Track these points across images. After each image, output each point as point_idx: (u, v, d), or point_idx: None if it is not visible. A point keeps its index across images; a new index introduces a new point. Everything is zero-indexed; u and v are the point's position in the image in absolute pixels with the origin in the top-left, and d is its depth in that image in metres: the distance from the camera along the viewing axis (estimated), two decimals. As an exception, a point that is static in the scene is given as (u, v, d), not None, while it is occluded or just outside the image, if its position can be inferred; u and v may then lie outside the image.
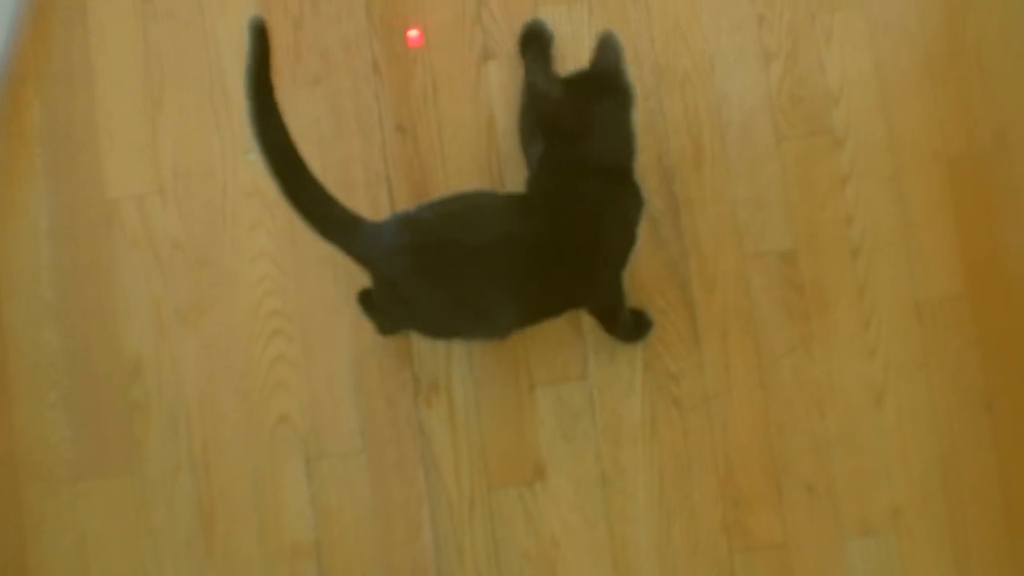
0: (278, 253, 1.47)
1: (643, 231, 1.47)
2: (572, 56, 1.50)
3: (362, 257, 1.24)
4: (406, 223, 1.23)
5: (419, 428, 1.45)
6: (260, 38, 1.13)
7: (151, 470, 1.44)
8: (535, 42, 1.48)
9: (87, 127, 1.50)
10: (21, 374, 1.46)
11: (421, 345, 1.46)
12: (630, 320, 1.44)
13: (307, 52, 1.51)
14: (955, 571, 1.45)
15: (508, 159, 1.49)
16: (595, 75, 1.31)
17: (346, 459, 1.45)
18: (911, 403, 1.47)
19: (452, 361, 1.46)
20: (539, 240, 1.23)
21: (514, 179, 1.47)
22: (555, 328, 1.46)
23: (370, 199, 1.48)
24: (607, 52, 1.30)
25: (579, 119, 1.28)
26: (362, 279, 1.45)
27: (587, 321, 1.46)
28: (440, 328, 1.35)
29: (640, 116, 1.50)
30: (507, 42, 1.51)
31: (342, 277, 1.46)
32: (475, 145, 1.48)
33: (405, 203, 1.48)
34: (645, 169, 1.49)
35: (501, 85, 1.50)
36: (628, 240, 1.33)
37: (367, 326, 1.45)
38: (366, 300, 1.41)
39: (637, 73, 1.51)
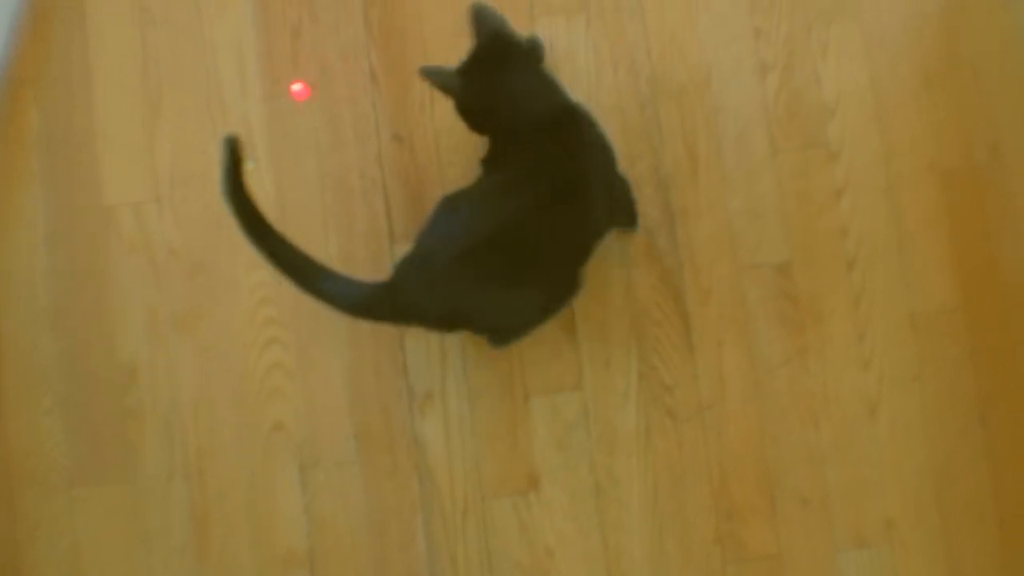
0: (274, 261, 1.48)
1: (639, 242, 1.49)
2: (570, 68, 1.51)
3: (402, 317, 1.29)
4: (415, 265, 1.26)
5: (413, 437, 1.45)
6: (232, 152, 1.18)
7: (146, 476, 1.44)
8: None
9: (85, 132, 1.50)
10: (16, 379, 1.46)
11: (416, 354, 1.46)
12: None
13: (305, 61, 1.51)
14: (948, 583, 1.45)
15: (504, 169, 1.49)
16: (483, 49, 1.31)
17: (340, 467, 1.45)
18: (905, 415, 1.48)
19: (447, 370, 1.46)
20: (536, 206, 1.24)
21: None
22: (550, 338, 1.46)
23: (367, 207, 1.49)
24: (483, 23, 1.31)
25: (493, 96, 1.30)
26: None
27: (582, 331, 1.47)
28: (503, 316, 1.36)
29: (636, 126, 1.51)
30: (504, 52, 1.51)
31: (338, 285, 1.47)
32: (471, 154, 1.48)
33: (401, 211, 1.48)
34: (641, 179, 1.50)
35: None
36: (605, 149, 1.35)
37: (362, 335, 1.46)
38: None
39: (634, 84, 1.52)
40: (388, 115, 1.51)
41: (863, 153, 1.52)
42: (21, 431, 1.45)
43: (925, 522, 1.46)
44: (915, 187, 1.51)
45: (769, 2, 1.54)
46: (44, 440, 1.45)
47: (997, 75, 1.53)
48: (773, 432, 1.46)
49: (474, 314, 1.31)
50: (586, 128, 1.33)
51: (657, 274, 1.49)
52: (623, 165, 1.49)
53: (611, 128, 1.49)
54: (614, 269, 1.48)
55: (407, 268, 1.26)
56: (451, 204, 1.29)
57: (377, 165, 1.50)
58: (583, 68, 1.51)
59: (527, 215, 1.24)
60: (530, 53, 1.33)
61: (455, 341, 1.46)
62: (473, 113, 1.33)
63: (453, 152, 1.50)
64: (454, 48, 1.49)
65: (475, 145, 1.47)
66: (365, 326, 1.45)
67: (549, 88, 1.34)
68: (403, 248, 1.45)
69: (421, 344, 1.47)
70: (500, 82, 1.30)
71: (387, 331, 1.46)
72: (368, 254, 1.48)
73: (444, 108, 1.50)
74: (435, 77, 1.31)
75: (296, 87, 1.43)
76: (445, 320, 1.31)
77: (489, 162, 1.38)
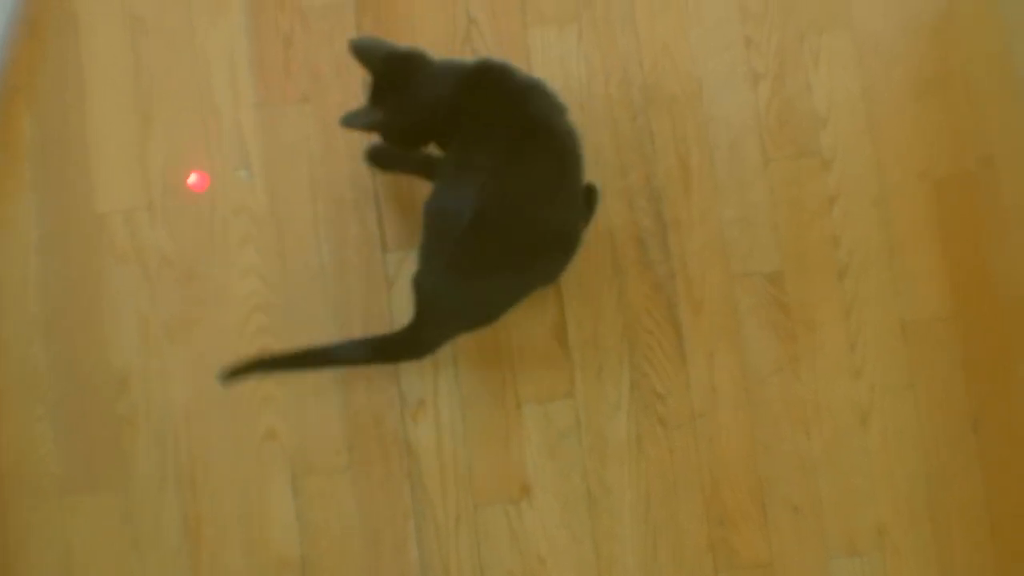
0: (266, 269, 1.48)
1: (631, 251, 1.49)
2: (562, 78, 1.51)
3: (434, 346, 1.39)
4: (429, 282, 1.33)
5: (406, 445, 1.45)
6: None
7: (138, 484, 1.44)
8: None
9: (77, 140, 1.50)
10: (8, 387, 1.45)
11: (408, 362, 1.46)
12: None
13: (297, 70, 1.51)
14: (940, 592, 1.45)
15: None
16: (384, 73, 1.32)
17: (332, 475, 1.45)
18: (897, 423, 1.48)
19: (439, 378, 1.46)
20: (511, 160, 1.26)
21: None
22: (542, 346, 1.47)
23: (359, 216, 1.49)
24: (370, 54, 1.32)
25: (417, 103, 1.31)
26: (355, 297, 1.47)
27: (574, 339, 1.47)
28: (527, 289, 1.39)
29: (628, 136, 1.51)
30: (497, 61, 1.51)
31: (330, 294, 1.47)
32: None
33: (394, 221, 1.48)
34: (633, 189, 1.50)
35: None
36: (539, 83, 1.34)
37: (355, 343, 1.46)
38: None
39: (626, 93, 1.52)
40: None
41: (855, 162, 1.52)
42: (13, 438, 1.45)
43: (917, 530, 1.46)
44: (907, 196, 1.52)
45: (760, 11, 1.54)
46: (36, 447, 1.44)
47: (988, 85, 1.54)
48: (765, 440, 1.47)
49: (502, 302, 1.36)
50: (511, 71, 1.33)
51: (649, 283, 1.49)
52: (615, 175, 1.50)
53: (603, 138, 1.51)
54: (606, 278, 1.48)
55: (427, 298, 1.33)
56: (437, 207, 1.31)
57: (369, 174, 1.49)
58: (575, 78, 1.52)
59: (508, 175, 1.26)
60: (422, 55, 1.34)
61: (447, 349, 1.46)
62: (407, 131, 1.34)
63: (446, 160, 1.50)
64: (445, 57, 1.50)
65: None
66: (357, 332, 1.46)
67: (455, 65, 1.35)
68: (395, 257, 1.47)
69: (413, 352, 1.47)
70: (417, 88, 1.31)
71: (379, 339, 1.47)
72: (360, 262, 1.48)
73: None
74: (358, 121, 1.30)
75: (192, 179, 1.44)
76: (477, 325, 1.38)
77: (446, 163, 1.37)
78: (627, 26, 1.53)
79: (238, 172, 1.49)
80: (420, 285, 1.34)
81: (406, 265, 1.47)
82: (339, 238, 1.49)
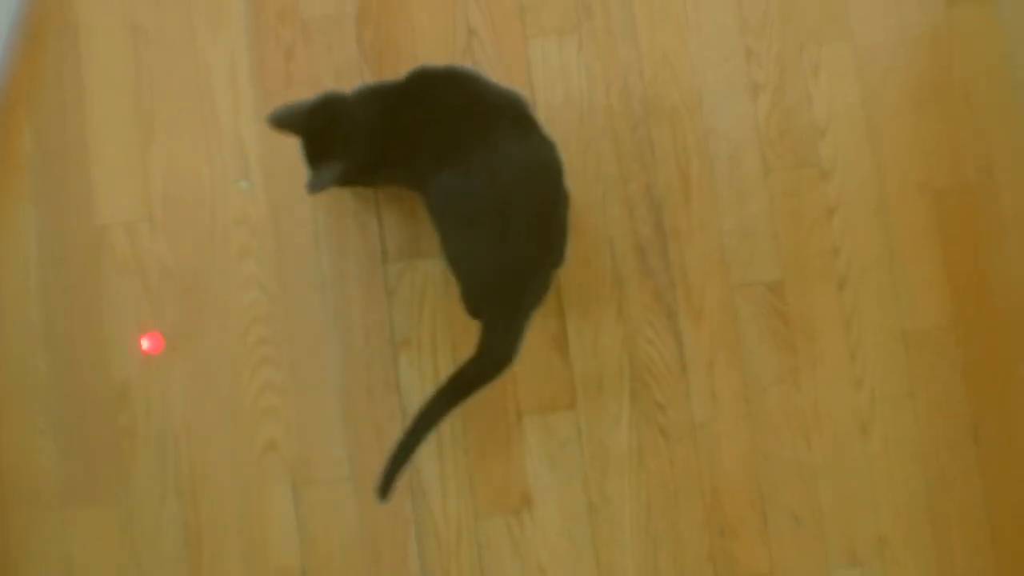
0: (266, 280, 1.48)
1: (631, 262, 1.49)
2: (563, 89, 1.52)
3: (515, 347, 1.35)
4: (477, 278, 1.33)
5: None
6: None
7: (138, 496, 1.44)
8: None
9: (78, 152, 1.50)
10: (9, 399, 1.46)
11: (409, 373, 1.46)
12: None
13: (298, 81, 1.51)
14: (941, 601, 1.46)
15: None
16: (315, 127, 1.30)
17: (333, 486, 1.45)
18: (897, 433, 1.48)
19: (440, 390, 1.46)
20: (491, 151, 1.28)
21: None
22: (543, 357, 1.47)
23: (359, 227, 1.49)
24: (292, 118, 1.29)
25: (359, 146, 1.30)
26: (356, 307, 1.47)
27: (574, 350, 1.47)
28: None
29: (629, 146, 1.52)
30: (497, 73, 1.51)
31: (331, 305, 1.47)
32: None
33: (394, 231, 1.48)
34: (633, 199, 1.50)
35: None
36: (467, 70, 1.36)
37: (355, 353, 1.46)
38: None
39: (626, 104, 1.52)
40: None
41: (854, 172, 1.52)
42: (13, 450, 1.45)
43: (918, 540, 1.46)
44: (906, 206, 1.52)
45: (760, 22, 1.55)
46: (36, 458, 1.44)
47: (987, 95, 1.54)
48: (766, 449, 1.47)
49: (543, 273, 1.35)
50: (446, 70, 1.34)
51: (650, 293, 1.49)
52: (615, 185, 1.50)
53: (603, 148, 1.51)
54: (606, 288, 1.48)
55: (481, 295, 1.33)
56: (453, 208, 1.30)
57: (370, 184, 1.50)
58: (575, 89, 1.52)
59: (490, 154, 1.27)
60: (335, 93, 1.33)
61: (448, 360, 1.46)
62: (367, 167, 1.33)
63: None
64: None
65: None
66: (358, 344, 1.46)
67: (378, 85, 1.35)
68: (396, 267, 1.47)
69: (414, 363, 1.47)
70: (350, 123, 1.30)
71: (380, 350, 1.47)
72: (361, 273, 1.48)
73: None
74: (322, 183, 1.27)
75: (145, 343, 1.44)
76: (536, 302, 1.36)
77: (431, 173, 1.34)
78: (627, 37, 1.54)
79: (239, 183, 1.49)
80: (470, 290, 1.34)
81: (407, 275, 1.48)
82: (339, 248, 1.49)
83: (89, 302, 1.47)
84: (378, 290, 1.48)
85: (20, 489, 1.44)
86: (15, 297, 1.47)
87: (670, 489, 1.46)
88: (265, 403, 1.46)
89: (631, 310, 1.48)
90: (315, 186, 1.27)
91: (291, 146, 1.49)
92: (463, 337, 1.47)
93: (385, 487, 1.29)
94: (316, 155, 1.30)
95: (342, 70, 1.51)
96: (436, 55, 1.52)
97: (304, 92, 1.51)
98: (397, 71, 1.50)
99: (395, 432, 1.45)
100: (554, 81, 1.52)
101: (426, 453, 1.45)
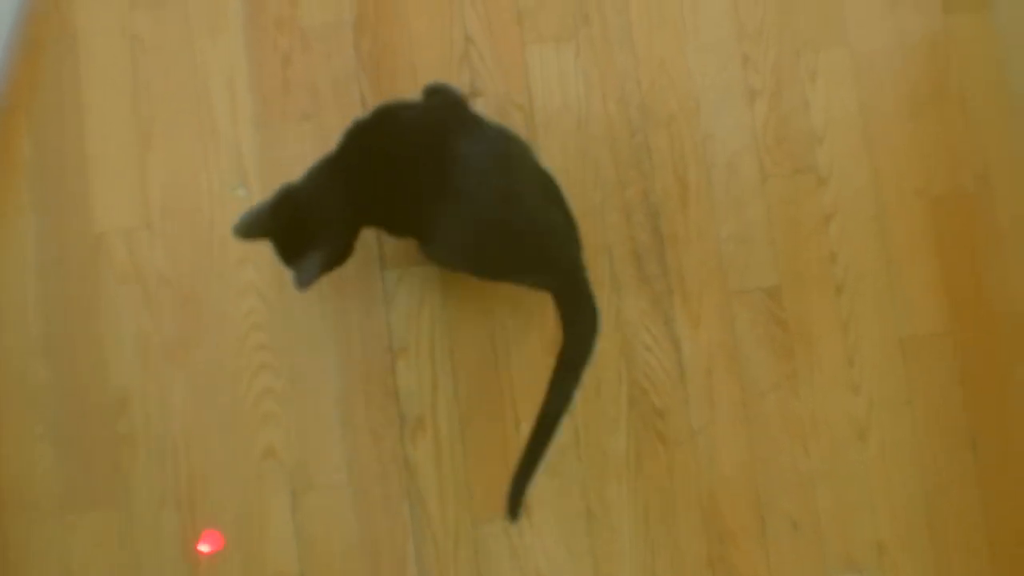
0: (265, 287, 1.48)
1: (629, 268, 1.50)
2: (560, 96, 1.52)
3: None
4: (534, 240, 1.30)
5: (404, 462, 1.45)
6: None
7: (137, 503, 1.44)
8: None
9: (76, 159, 1.50)
10: (8, 407, 1.46)
11: (407, 379, 1.46)
12: None
13: (296, 88, 1.52)
14: (939, 608, 1.46)
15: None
16: (277, 232, 1.28)
17: (332, 493, 1.45)
18: (895, 439, 1.48)
19: (438, 396, 1.46)
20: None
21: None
22: (541, 363, 1.46)
23: (357, 234, 1.49)
24: (256, 223, 1.27)
25: (333, 228, 1.29)
26: (353, 314, 1.47)
27: (573, 356, 1.47)
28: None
29: (626, 153, 1.52)
30: (495, 80, 1.52)
31: (329, 311, 1.47)
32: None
33: (392, 238, 1.48)
34: (631, 205, 1.51)
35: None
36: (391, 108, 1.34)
37: (353, 360, 1.46)
38: None
39: (623, 111, 1.52)
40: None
41: (852, 179, 1.52)
42: (13, 457, 1.45)
43: (916, 546, 1.46)
44: (903, 213, 1.52)
45: (757, 29, 1.55)
46: (36, 466, 1.44)
47: (984, 102, 1.54)
48: (764, 456, 1.47)
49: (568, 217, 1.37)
50: (374, 114, 1.32)
51: (647, 299, 1.49)
52: (613, 191, 1.51)
53: (601, 154, 1.51)
54: (604, 294, 1.48)
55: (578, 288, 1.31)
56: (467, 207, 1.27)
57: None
58: (573, 96, 1.52)
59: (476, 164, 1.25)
60: (289, 184, 1.29)
61: (447, 367, 1.46)
62: (345, 244, 1.31)
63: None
64: (444, 76, 1.51)
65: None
66: (356, 351, 1.46)
67: (327, 158, 1.32)
68: (394, 274, 1.48)
69: (412, 369, 1.47)
70: (313, 208, 1.27)
71: (378, 357, 1.47)
72: (358, 279, 1.48)
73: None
74: (309, 279, 1.25)
75: (203, 547, 1.44)
76: (576, 240, 1.37)
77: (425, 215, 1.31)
78: (625, 44, 1.54)
79: (236, 190, 1.49)
80: (522, 280, 1.34)
81: (404, 281, 1.48)
82: (338, 256, 1.49)
83: (88, 309, 1.48)
84: (376, 297, 1.48)
85: (20, 495, 1.44)
86: (14, 304, 1.47)
87: (668, 495, 1.46)
88: (264, 409, 1.46)
89: (629, 316, 1.48)
90: (303, 283, 1.24)
91: (289, 155, 1.50)
92: (461, 344, 1.47)
93: (514, 506, 1.29)
94: (292, 251, 1.27)
95: (339, 77, 1.52)
96: (433, 62, 1.52)
97: (302, 99, 1.51)
98: (395, 78, 1.52)
99: (393, 438, 1.45)
100: (552, 88, 1.52)
101: (423, 459, 1.45)
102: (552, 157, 1.50)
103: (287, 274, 1.45)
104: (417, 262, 1.48)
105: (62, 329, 1.47)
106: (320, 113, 1.51)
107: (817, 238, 1.51)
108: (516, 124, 1.51)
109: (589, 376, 1.45)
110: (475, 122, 1.32)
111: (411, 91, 1.50)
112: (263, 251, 1.48)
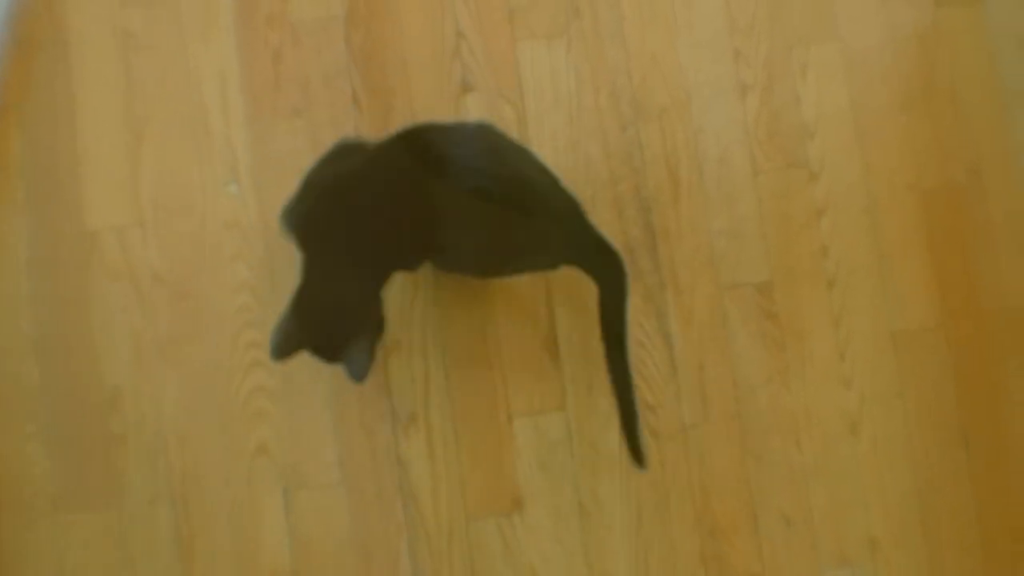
0: (257, 284, 1.48)
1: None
2: (552, 91, 1.52)
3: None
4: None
5: (397, 459, 1.45)
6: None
7: (130, 502, 1.44)
8: None
9: (68, 157, 1.50)
10: (0, 405, 1.46)
11: (399, 376, 1.46)
12: None
13: (287, 84, 1.51)
14: (931, 602, 1.46)
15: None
16: (309, 333, 1.23)
17: (325, 490, 1.45)
18: (887, 433, 1.48)
19: (430, 392, 1.46)
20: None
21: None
22: (533, 359, 1.47)
23: (349, 230, 1.49)
24: (285, 343, 1.23)
25: (359, 295, 1.26)
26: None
27: (565, 352, 1.47)
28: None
29: (618, 148, 1.52)
30: (486, 76, 1.52)
31: (321, 308, 1.47)
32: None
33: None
34: (623, 200, 1.51)
35: (480, 118, 1.51)
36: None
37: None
38: None
39: (615, 106, 1.53)
40: (370, 138, 1.51)
41: (843, 173, 1.53)
42: (5, 456, 1.44)
43: (908, 541, 1.47)
44: (895, 207, 1.52)
45: (749, 23, 1.55)
46: (28, 465, 1.44)
47: (975, 96, 1.55)
48: (756, 451, 1.47)
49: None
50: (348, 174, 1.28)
51: (639, 294, 1.49)
52: (604, 186, 1.51)
53: (592, 149, 1.51)
54: (596, 290, 1.48)
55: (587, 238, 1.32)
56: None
57: (360, 188, 1.50)
58: (564, 91, 1.52)
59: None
60: (301, 288, 1.26)
61: (439, 362, 1.46)
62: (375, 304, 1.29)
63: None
64: (435, 71, 1.51)
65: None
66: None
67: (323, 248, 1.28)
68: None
69: (404, 366, 1.47)
70: (329, 290, 1.24)
71: (371, 353, 1.47)
72: (351, 276, 1.48)
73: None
74: (365, 359, 1.22)
75: None
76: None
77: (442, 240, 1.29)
78: (616, 39, 1.54)
79: (228, 187, 1.49)
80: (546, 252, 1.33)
81: (396, 278, 1.48)
82: (330, 252, 1.49)
83: (80, 308, 1.47)
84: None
85: (12, 496, 1.44)
86: (6, 303, 1.47)
87: (661, 491, 1.46)
88: (256, 407, 1.46)
89: (621, 312, 1.49)
90: (360, 375, 1.21)
91: (280, 150, 1.50)
92: (453, 339, 1.47)
93: (637, 454, 1.31)
94: (336, 351, 1.23)
95: (330, 73, 1.51)
96: (424, 57, 1.52)
97: (294, 95, 1.51)
98: (386, 73, 1.51)
99: (386, 435, 1.45)
100: (543, 83, 1.52)
101: (417, 456, 1.45)
102: (543, 152, 1.50)
103: (279, 272, 1.47)
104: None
105: (54, 327, 1.47)
106: (311, 108, 1.51)
107: (809, 232, 1.51)
108: (507, 119, 1.51)
109: (581, 371, 1.46)
110: (437, 129, 1.26)
111: (402, 86, 1.51)
112: (256, 248, 1.48)
